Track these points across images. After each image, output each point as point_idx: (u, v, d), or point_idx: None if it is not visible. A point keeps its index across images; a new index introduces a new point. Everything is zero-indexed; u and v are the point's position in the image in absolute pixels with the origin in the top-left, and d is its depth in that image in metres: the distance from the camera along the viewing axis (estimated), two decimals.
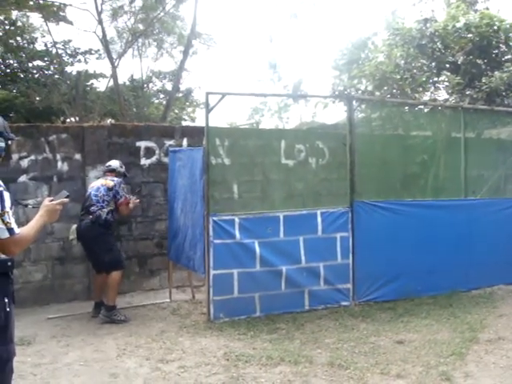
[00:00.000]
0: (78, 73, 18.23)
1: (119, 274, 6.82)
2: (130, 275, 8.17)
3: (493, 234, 8.05)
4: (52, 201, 3.47)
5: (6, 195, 3.20)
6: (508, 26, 10.40)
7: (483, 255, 7.93)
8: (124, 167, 7.40)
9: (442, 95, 11.57)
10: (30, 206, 6.30)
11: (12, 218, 3.20)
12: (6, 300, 3.23)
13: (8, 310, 3.23)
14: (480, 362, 5.23)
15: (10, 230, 3.16)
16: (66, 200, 3.53)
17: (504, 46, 10.73)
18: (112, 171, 7.21)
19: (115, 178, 7.08)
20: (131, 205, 7.17)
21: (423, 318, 6.61)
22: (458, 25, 10.39)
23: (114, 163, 7.32)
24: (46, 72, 18.06)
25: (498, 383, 4.74)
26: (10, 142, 3.50)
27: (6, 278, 3.27)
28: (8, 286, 3.27)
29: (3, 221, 3.15)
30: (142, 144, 8.38)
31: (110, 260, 6.79)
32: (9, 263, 3.26)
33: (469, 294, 7.75)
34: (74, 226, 6.97)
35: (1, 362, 3.20)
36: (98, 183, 7.06)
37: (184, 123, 23.01)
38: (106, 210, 6.80)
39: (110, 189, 6.93)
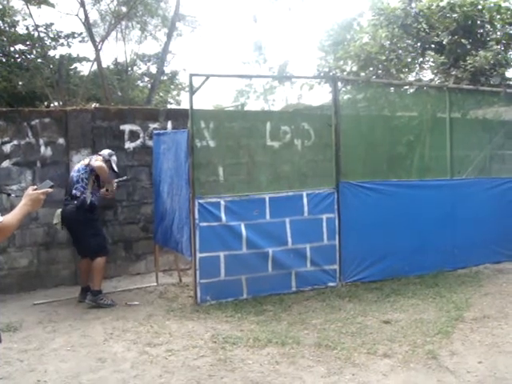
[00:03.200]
0: (61, 57, 17.95)
1: (103, 259, 6.79)
2: (116, 260, 8.13)
3: (479, 213, 8.10)
4: (36, 189, 3.42)
5: None
6: (492, 5, 10.40)
7: (469, 235, 7.99)
8: (115, 159, 7.19)
9: (427, 75, 11.60)
10: (12, 195, 6.19)
11: None
12: None
13: None
14: (466, 340, 5.28)
15: None
16: (50, 190, 3.48)
17: (488, 26, 10.75)
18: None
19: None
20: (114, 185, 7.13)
21: (409, 298, 6.65)
22: (442, 4, 10.38)
23: (105, 151, 7.22)
24: (29, 56, 17.75)
25: (484, 361, 4.78)
26: None
27: None
28: None
29: None
30: (127, 127, 8.30)
31: (94, 245, 6.75)
32: None
33: (455, 273, 7.80)
34: (59, 211, 6.90)
35: None
36: (78, 165, 7.01)
37: (169, 106, 22.86)
38: (89, 193, 6.75)
39: (86, 165, 6.85)
